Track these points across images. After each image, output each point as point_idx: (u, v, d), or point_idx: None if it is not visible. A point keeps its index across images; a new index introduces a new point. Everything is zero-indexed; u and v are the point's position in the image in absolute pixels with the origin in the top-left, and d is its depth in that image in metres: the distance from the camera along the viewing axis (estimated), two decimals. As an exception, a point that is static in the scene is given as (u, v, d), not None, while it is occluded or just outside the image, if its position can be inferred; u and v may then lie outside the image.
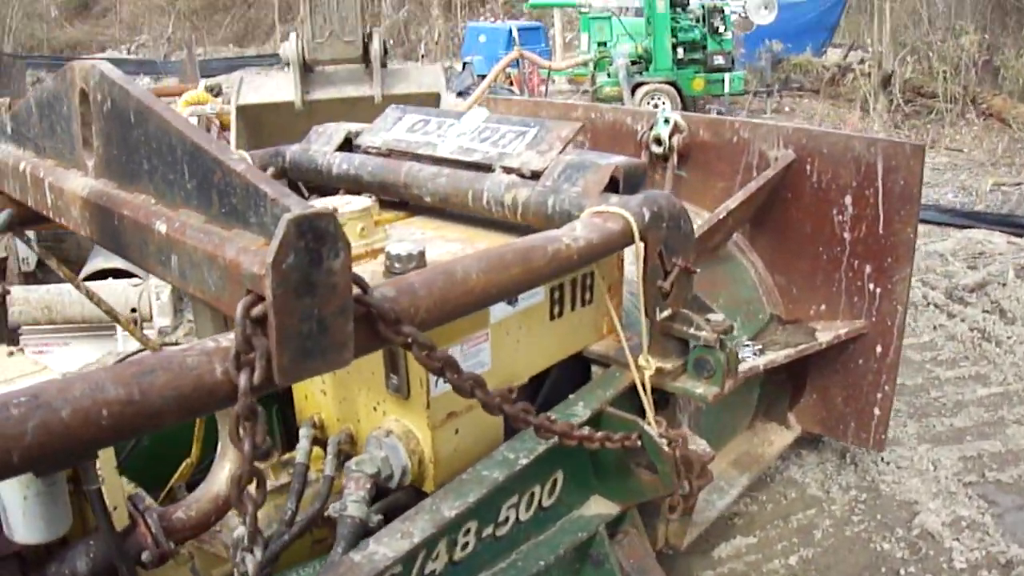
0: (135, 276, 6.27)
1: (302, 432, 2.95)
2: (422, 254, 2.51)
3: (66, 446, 1.53)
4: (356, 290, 1.79)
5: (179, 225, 1.97)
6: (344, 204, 2.98)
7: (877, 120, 17.55)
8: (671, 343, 3.01)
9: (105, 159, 2.37)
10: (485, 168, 3.04)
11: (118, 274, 6.44)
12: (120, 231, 2.21)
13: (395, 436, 2.70)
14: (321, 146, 3.64)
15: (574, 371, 3.13)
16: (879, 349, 4.30)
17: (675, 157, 4.69)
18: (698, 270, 2.98)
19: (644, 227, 2.67)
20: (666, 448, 2.77)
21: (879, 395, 4.35)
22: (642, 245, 2.70)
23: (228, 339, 1.70)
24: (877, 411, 4.38)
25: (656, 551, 3.24)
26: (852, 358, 4.39)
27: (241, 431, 1.68)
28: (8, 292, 3.16)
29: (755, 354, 4.08)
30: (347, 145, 3.60)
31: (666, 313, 2.92)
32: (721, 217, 4.05)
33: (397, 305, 1.89)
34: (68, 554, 2.37)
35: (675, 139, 4.68)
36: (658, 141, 4.71)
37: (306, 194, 3.66)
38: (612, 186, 2.93)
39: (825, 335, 4.27)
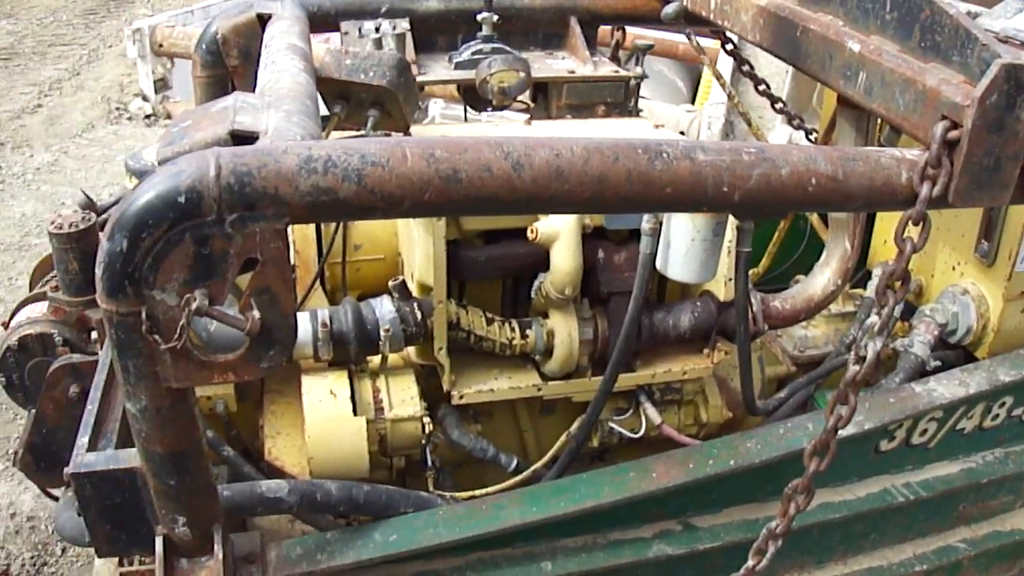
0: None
1: (875, 271, 3.29)
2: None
3: (775, 199, 1.89)
4: None
5: (874, 48, 2.23)
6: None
7: None
8: None
9: (791, -21, 2.67)
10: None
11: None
12: (801, 42, 2.51)
13: (970, 296, 2.95)
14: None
15: None
16: None
17: None
18: None
19: None
20: None
21: None
22: None
23: (913, 154, 1.99)
24: None
25: None
26: None
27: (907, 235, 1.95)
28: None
29: None
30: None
31: None
32: None
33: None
34: (675, 307, 2.86)
35: None
36: None
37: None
38: None
39: None
